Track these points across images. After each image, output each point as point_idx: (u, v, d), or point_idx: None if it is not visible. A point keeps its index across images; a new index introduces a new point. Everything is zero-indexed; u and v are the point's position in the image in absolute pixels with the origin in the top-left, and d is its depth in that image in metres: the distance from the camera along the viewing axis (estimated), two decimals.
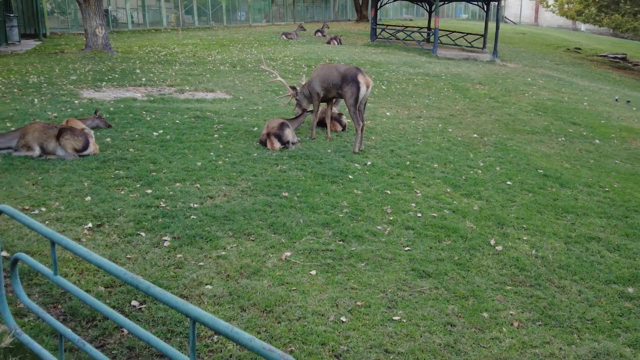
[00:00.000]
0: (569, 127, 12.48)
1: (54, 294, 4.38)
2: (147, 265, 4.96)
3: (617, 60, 31.51)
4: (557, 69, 24.14)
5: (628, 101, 17.28)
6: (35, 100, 10.99)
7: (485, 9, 27.24)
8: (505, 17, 52.92)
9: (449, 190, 7.63)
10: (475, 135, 10.90)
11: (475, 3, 28.20)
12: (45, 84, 12.67)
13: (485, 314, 4.70)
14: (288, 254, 5.39)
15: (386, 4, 32.81)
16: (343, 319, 4.41)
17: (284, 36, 27.06)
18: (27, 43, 22.58)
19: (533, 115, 13.29)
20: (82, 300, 3.01)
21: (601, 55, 32.36)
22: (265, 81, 14.90)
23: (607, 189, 8.45)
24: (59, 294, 4.37)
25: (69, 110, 10.27)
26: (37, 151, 7.54)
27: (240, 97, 12.62)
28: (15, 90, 11.88)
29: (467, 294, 5.00)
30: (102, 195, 6.41)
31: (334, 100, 9.60)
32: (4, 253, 4.75)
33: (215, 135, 9.19)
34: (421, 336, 4.28)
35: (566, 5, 30.61)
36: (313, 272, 5.09)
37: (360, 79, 8.61)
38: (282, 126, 8.74)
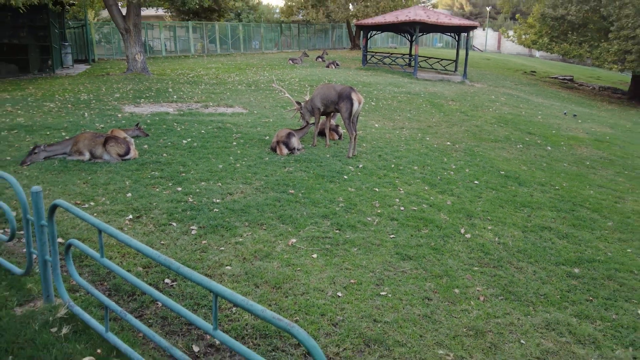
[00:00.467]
0: (526, 136, 12.47)
1: (101, 274, 4.38)
2: (178, 250, 4.97)
3: (566, 81, 31.47)
4: (516, 88, 24.10)
5: (574, 115, 17.26)
6: (86, 114, 10.99)
7: (457, 39, 27.21)
8: (473, 46, 52.76)
9: (426, 188, 7.62)
10: (448, 143, 10.89)
11: (449, 34, 28.15)
12: (94, 101, 12.66)
13: (456, 290, 4.69)
14: (294, 240, 5.39)
15: (375, 35, 32.82)
16: (339, 294, 4.41)
17: (290, 61, 27.03)
18: (79, 67, 22.58)
19: (496, 126, 13.28)
20: (124, 278, 3.01)
21: (552, 77, 32.31)
22: (275, 98, 14.88)
23: (557, 187, 8.44)
24: (104, 274, 4.37)
25: (114, 122, 10.27)
26: (87, 156, 7.55)
27: (255, 112, 12.61)
28: (69, 105, 11.88)
29: (441, 273, 4.99)
30: (140, 192, 6.42)
31: (332, 114, 9.59)
32: (60, 240, 4.75)
33: (234, 143, 9.19)
34: (404, 308, 4.28)
35: (523, 36, 30.54)
36: (314, 256, 5.08)
37: (354, 96, 8.61)
38: (289, 135, 8.74)
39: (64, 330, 3.44)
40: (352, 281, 4.64)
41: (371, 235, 5.71)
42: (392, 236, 5.74)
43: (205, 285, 2.38)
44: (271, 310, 3.87)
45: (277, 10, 49.63)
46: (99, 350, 3.29)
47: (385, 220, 6.20)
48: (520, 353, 3.85)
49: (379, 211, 6.45)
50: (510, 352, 3.84)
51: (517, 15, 33.81)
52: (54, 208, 3.38)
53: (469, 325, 4.14)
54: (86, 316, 3.46)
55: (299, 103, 9.82)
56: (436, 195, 7.32)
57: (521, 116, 15.37)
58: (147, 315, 3.86)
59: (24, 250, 4.56)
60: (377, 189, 7.27)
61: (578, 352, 3.96)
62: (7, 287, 3.99)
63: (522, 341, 4.01)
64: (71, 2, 21.19)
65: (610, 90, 29.51)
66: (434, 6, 57.51)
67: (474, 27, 25.58)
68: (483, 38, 57.56)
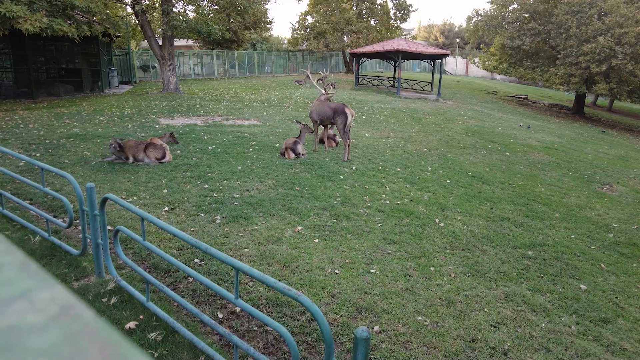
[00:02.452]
0: (489, 144, 12.46)
1: (142, 254, 4.39)
2: (205, 235, 4.97)
3: (521, 99, 31.41)
4: (480, 105, 24.08)
5: (529, 127, 17.24)
6: (129, 125, 10.99)
7: (432, 65, 27.19)
8: (445, 70, 52.71)
9: (407, 186, 7.62)
10: (425, 149, 10.89)
11: (426, 61, 28.12)
12: (135, 115, 12.66)
13: (432, 269, 4.70)
14: (299, 228, 5.39)
15: (365, 61, 32.77)
16: (337, 271, 4.42)
17: (296, 82, 27.00)
18: (123, 87, 22.55)
19: (464, 136, 13.27)
20: (162, 258, 3.03)
21: (510, 96, 32.26)
22: (284, 113, 14.87)
23: (514, 186, 8.44)
24: (145, 255, 4.38)
25: (152, 132, 10.27)
26: (131, 159, 7.55)
27: (267, 124, 12.61)
28: (116, 118, 11.88)
29: (420, 255, 5.00)
30: (174, 189, 6.43)
31: (329, 125, 9.59)
32: (109, 227, 4.77)
33: (250, 149, 9.19)
34: (389, 283, 4.29)
35: (487, 62, 30.54)
36: (316, 240, 5.09)
37: (347, 111, 8.60)
38: (295, 143, 8.74)
39: (113, 300, 3.45)
40: (347, 261, 4.65)
41: (362, 224, 5.72)
42: (379, 225, 5.75)
43: (229, 262, 2.39)
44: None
45: (286, 41, 49.63)
46: (141, 317, 3.31)
47: (374, 211, 6.20)
48: (484, 319, 3.85)
49: (369, 204, 6.46)
50: (476, 319, 3.85)
51: (481, 46, 33.82)
52: (104, 200, 3.39)
53: (442, 297, 4.15)
54: (130, 289, 3.47)
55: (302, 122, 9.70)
56: (415, 192, 7.33)
57: (485, 127, 15.36)
58: (180, 289, 3.87)
59: (80, 235, 4.57)
60: (367, 187, 7.28)
61: (531, 318, 3.97)
62: (66, 265, 4.01)
63: (485, 310, 4.01)
64: (117, 34, 21.16)
65: (558, 107, 29.47)
66: (414, 38, 57.49)
67: (446, 55, 25.56)
68: (454, 64, 57.47)
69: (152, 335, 3.07)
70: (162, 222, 2.90)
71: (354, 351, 1.89)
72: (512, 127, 16.75)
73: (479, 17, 28.26)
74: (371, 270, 4.50)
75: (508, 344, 3.54)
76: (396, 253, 4.98)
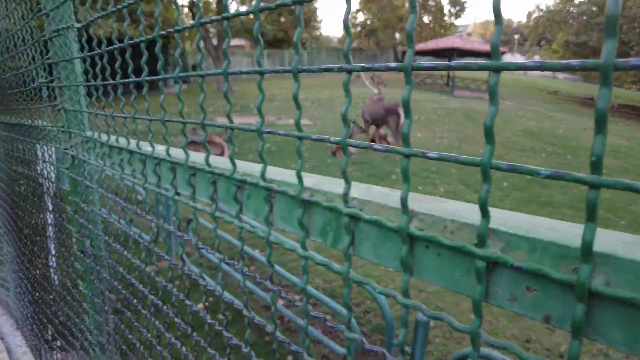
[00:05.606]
0: (548, 147, 12.09)
1: (208, 243, 4.78)
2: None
3: (586, 100, 29.89)
4: (540, 105, 23.22)
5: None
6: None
7: None
8: None
9: (462, 187, 7.63)
10: (481, 150, 10.76)
11: (482, 58, 27.47)
12: (193, 113, 13.40)
13: None
14: None
15: (417, 59, 32.43)
16: (390, 268, 4.59)
17: None
18: (175, 87, 23.75)
19: (523, 138, 12.94)
20: (232, 244, 3.35)
21: (574, 97, 30.79)
22: (335, 112, 15.16)
23: (575, 190, 8.20)
24: (211, 243, 4.76)
25: (210, 130, 10.86)
26: None
27: (318, 123, 12.93)
28: (174, 116, 12.63)
29: None
30: None
31: (380, 125, 9.73)
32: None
33: (303, 148, 9.47)
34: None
35: (548, 60, 29.36)
36: None
37: (400, 111, 8.72)
38: None
39: (185, 283, 3.84)
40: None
41: None
42: None
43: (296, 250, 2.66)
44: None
45: (335, 40, 50.03)
46: (210, 299, 3.66)
47: None
48: (543, 326, 3.89)
49: None
50: (532, 321, 3.89)
51: (542, 42, 32.52)
52: (177, 192, 3.79)
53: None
54: (199, 273, 3.85)
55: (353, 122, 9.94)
56: (471, 194, 7.33)
57: (545, 129, 14.87)
58: (251, 270, 4.20)
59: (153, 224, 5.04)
60: (420, 187, 7.36)
61: None
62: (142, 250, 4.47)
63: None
64: (174, 35, 22.36)
65: (629, 108, 27.76)
66: (469, 35, 56.04)
67: (503, 53, 24.84)
68: None
69: (221, 316, 3.41)
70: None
71: (414, 332, 2.10)
72: (574, 129, 16.06)
73: (541, 13, 27.22)
74: None
75: (564, 347, 3.58)
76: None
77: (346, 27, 0.39)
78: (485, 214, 0.32)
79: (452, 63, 0.34)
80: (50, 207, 2.18)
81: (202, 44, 0.71)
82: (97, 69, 0.96)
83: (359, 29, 40.27)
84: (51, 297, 1.91)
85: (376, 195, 0.42)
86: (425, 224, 0.38)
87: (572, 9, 25.45)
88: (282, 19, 32.61)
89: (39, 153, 1.71)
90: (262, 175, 0.49)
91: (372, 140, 10.19)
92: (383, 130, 10.45)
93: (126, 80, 0.86)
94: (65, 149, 1.14)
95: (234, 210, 0.56)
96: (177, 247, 4.13)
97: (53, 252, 2.24)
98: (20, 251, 2.27)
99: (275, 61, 34.37)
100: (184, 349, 0.85)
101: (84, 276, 1.28)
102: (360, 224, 0.40)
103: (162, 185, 0.70)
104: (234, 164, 0.54)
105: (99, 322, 1.28)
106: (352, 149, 8.96)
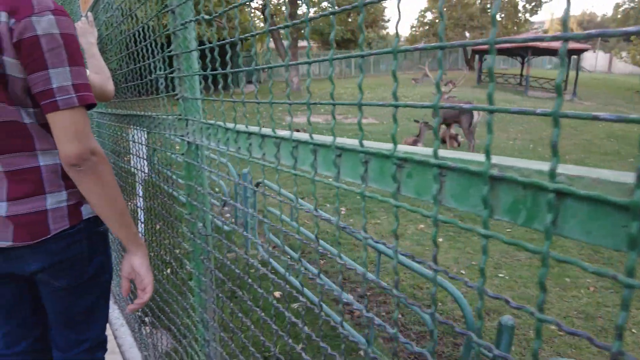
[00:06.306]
0: (636, 151, 11.05)
1: (279, 236, 4.91)
2: (330, 225, 5.35)
3: None
4: (626, 106, 21.26)
5: None
6: (260, 121, 12.06)
7: (568, 61, 24.73)
8: (582, 67, 47.35)
9: None
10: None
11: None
12: (264, 112, 13.77)
13: (567, 279, 4.46)
14: (422, 226, 5.50)
15: (487, 58, 31.05)
16: (462, 271, 4.46)
17: (413, 81, 26.67)
18: (249, 86, 24.60)
19: (605, 140, 11.94)
20: (307, 236, 3.42)
21: None
22: (402, 111, 14.92)
23: None
24: (283, 235, 4.89)
25: (279, 127, 11.14)
26: None
27: (384, 122, 12.82)
28: (248, 115, 13.10)
29: (553, 264, 4.77)
30: (303, 181, 6.98)
31: (451, 124, 9.44)
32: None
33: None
34: (519, 288, 4.20)
35: (638, 56, 26.78)
36: (440, 239, 5.16)
37: (473, 110, 8.40)
38: (415, 142, 8.81)
39: (260, 272, 3.99)
40: (473, 262, 4.65)
41: (490, 227, 5.60)
42: (508, 230, 5.58)
43: (371, 245, 2.66)
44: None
45: (403, 40, 49.19)
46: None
47: None
48: (631, 340, 3.58)
49: None
50: None
51: (632, 37, 29.70)
52: (257, 184, 3.93)
53: (579, 309, 3.94)
54: (274, 263, 3.97)
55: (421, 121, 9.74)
56: None
57: (632, 132, 13.59)
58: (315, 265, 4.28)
59: (228, 215, 5.27)
60: None
61: None
62: (218, 240, 4.70)
63: (633, 330, 3.72)
64: (246, 37, 23.22)
65: None
66: (545, 32, 52.61)
67: (585, 50, 23.07)
68: (593, 60, 51.26)
69: (295, 305, 3.50)
70: (310, 206, 3.29)
71: (497, 336, 2.02)
72: None
73: (632, 4, 24.90)
74: (499, 275, 4.44)
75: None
76: (526, 260, 4.82)
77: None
78: None
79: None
80: (141, 194, 2.37)
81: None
82: (207, 61, 1.04)
83: (427, 27, 39.29)
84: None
85: (582, 171, 0.40)
86: None
87: None
88: (350, 19, 32.64)
89: (133, 142, 1.85)
90: (435, 154, 0.50)
91: (443, 140, 9.92)
92: (454, 130, 10.14)
93: (238, 69, 0.91)
94: (182, 135, 1.23)
95: (391, 189, 0.57)
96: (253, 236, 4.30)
97: (142, 232, 2.42)
98: None
99: (341, 61, 34.48)
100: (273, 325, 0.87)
101: (192, 256, 1.37)
102: (568, 201, 0.39)
103: (297, 167, 0.73)
104: (395, 143, 0.56)
105: (204, 300, 1.37)
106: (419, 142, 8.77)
